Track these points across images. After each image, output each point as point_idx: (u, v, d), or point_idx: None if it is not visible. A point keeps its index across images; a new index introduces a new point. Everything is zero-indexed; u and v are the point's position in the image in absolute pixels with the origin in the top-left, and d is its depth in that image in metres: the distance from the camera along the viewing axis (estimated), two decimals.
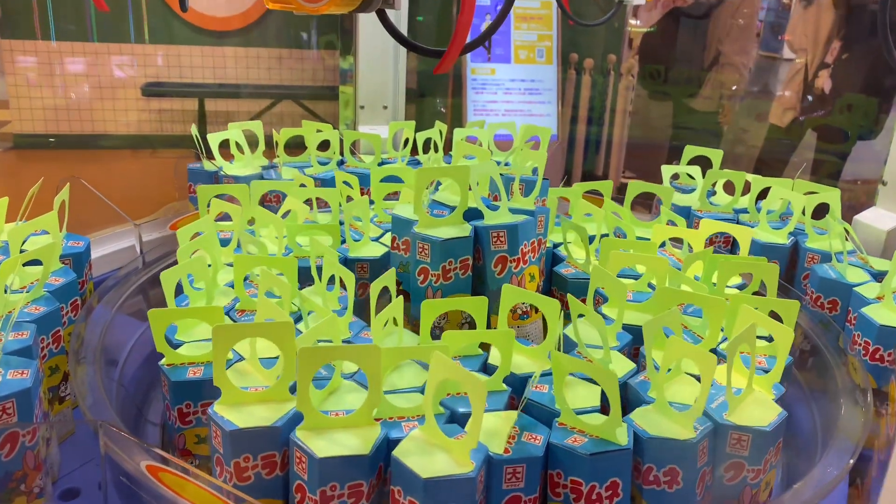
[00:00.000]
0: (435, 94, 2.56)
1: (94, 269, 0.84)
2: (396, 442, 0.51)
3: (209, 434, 0.54)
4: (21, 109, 3.45)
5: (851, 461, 0.57)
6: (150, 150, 3.28)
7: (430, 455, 0.49)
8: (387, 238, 0.84)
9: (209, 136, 1.01)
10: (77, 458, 0.66)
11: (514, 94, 2.59)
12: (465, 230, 0.69)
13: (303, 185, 0.88)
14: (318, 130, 1.07)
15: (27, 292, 0.66)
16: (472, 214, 0.70)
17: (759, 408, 0.57)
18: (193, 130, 1.02)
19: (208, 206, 0.84)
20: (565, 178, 1.29)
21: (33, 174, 0.82)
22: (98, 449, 0.53)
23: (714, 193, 1.04)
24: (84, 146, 3.47)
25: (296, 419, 0.52)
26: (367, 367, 0.51)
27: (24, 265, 0.69)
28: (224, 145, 1.04)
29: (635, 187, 0.91)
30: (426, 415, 0.51)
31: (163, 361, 0.60)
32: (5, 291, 0.64)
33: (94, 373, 0.64)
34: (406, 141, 1.10)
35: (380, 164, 1.07)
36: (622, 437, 0.52)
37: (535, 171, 0.86)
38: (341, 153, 1.09)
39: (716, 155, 1.05)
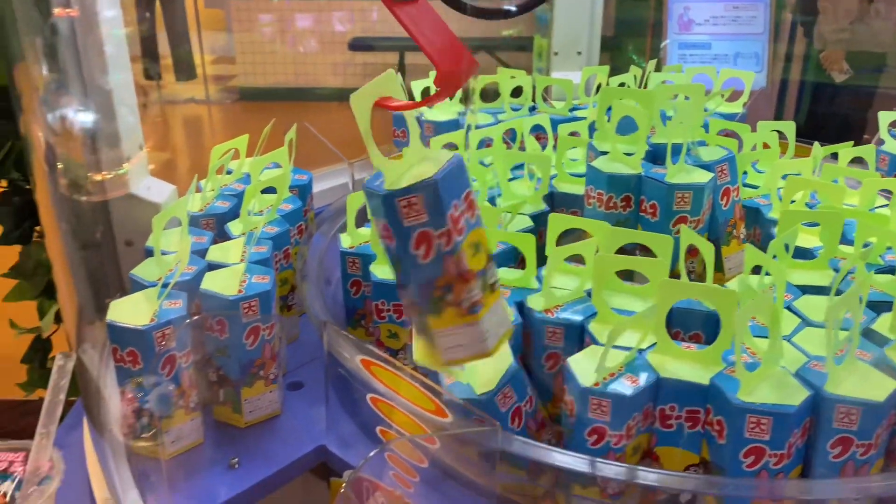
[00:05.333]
0: (634, 37, 2.46)
1: (315, 201, 0.96)
2: None
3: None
4: (245, 64, 3.82)
5: None
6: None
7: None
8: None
9: (412, 83, 1.09)
10: (301, 358, 0.77)
11: (720, 38, 2.43)
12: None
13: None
14: (512, 77, 1.10)
15: (264, 215, 0.77)
16: None
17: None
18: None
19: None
20: None
21: (256, 123, 0.92)
22: (320, 348, 0.63)
23: None
24: (298, 98, 3.78)
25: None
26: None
27: (261, 192, 0.80)
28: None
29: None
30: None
31: None
32: (248, 214, 0.76)
33: (315, 288, 0.74)
34: (598, 86, 1.11)
35: (571, 110, 1.09)
36: None
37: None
38: (533, 99, 1.12)
39: None
